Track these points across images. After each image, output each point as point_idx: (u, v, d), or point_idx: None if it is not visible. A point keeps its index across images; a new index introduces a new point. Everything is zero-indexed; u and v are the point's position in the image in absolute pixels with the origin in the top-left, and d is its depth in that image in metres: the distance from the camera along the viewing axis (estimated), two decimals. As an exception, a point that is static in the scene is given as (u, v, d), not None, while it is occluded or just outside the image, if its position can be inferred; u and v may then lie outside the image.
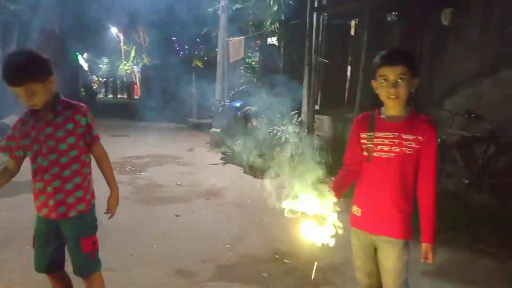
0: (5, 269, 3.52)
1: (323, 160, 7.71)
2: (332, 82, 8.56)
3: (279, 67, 10.17)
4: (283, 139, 8.51)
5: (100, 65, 46.14)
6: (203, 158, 8.89)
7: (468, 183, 5.43)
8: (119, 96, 36.69)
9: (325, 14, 8.17)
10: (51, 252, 2.43)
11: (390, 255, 2.16)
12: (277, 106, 8.87)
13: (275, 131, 8.59)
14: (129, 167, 7.61)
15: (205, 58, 15.72)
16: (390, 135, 2.12)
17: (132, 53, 33.91)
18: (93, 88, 32.15)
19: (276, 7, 8.30)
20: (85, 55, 34.88)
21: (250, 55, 11.03)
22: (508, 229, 4.53)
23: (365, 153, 2.20)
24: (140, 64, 32.64)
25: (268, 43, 11.15)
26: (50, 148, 2.28)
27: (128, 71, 35.44)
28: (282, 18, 8.54)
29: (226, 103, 9.80)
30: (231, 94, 10.27)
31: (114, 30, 35.55)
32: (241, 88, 10.38)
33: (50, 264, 2.45)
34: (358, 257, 2.32)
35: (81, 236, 2.40)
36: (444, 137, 5.60)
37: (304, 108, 8.31)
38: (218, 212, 5.35)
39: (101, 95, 36.91)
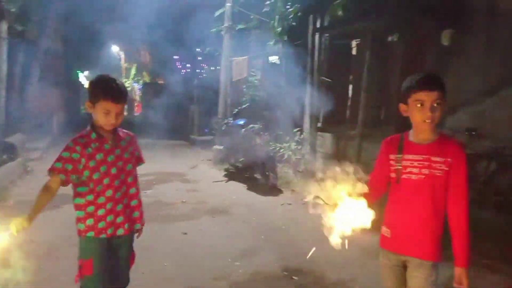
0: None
1: (325, 177, 7.84)
2: (334, 100, 8.71)
3: (281, 86, 10.34)
4: (285, 156, 8.64)
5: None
6: (207, 175, 8.97)
7: (471, 200, 5.51)
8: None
9: (327, 35, 8.37)
10: (109, 269, 2.52)
11: (418, 275, 2.17)
12: (279, 124, 9.01)
13: (278, 148, 8.72)
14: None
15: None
16: (419, 157, 2.14)
17: (133, 71, 34.25)
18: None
19: (280, 28, 8.50)
20: (86, 72, 35.17)
21: (253, 73, 11.21)
22: (512, 245, 4.60)
23: (393, 175, 2.23)
24: (141, 81, 32.95)
25: (270, 62, 11.35)
26: (119, 168, 2.45)
27: (129, 89, 35.71)
28: (285, 39, 8.73)
29: (229, 121, 9.94)
30: (234, 112, 10.42)
31: (115, 48, 35.95)
32: (244, 106, 10.54)
33: (108, 283, 2.53)
34: (388, 278, 2.33)
35: (132, 250, 2.65)
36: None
37: (306, 125, 8.45)
38: (225, 229, 5.41)
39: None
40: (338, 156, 7.94)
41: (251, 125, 8.81)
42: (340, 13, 7.31)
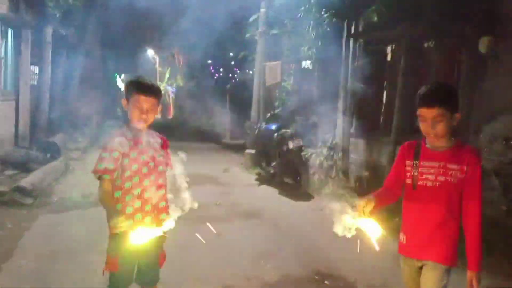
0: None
1: (357, 183, 7.83)
2: (367, 106, 8.68)
3: (313, 91, 10.38)
4: (317, 162, 8.67)
5: (135, 86, 47.59)
6: (239, 179, 9.11)
7: (506, 210, 5.42)
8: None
9: (362, 40, 8.37)
10: (134, 270, 2.60)
11: (430, 278, 2.22)
12: (312, 129, 9.06)
13: (310, 154, 8.76)
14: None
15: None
16: (435, 164, 2.19)
17: (167, 75, 34.95)
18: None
19: (314, 33, 8.57)
20: (122, 76, 36.20)
21: (285, 79, 11.32)
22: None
23: (408, 181, 2.27)
24: (174, 85, 33.58)
25: (303, 67, 11.42)
26: (150, 168, 2.50)
27: (163, 92, 36.45)
28: (319, 44, 8.80)
29: (262, 126, 10.06)
30: (266, 117, 10.53)
31: (150, 52, 36.82)
32: (277, 111, 10.64)
33: (132, 280, 2.62)
34: (408, 284, 2.38)
35: (161, 250, 2.68)
36: (482, 162, 5.63)
37: (339, 131, 8.46)
38: (257, 232, 5.53)
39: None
40: (371, 162, 7.91)
41: (283, 130, 8.89)
42: (375, 19, 7.32)
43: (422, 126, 2.19)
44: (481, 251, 2.17)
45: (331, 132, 8.71)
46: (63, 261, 4.16)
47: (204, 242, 4.94)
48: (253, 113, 11.36)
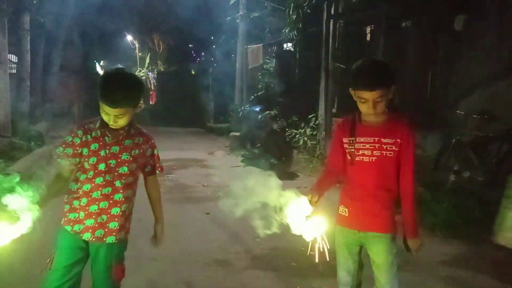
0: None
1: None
2: (348, 86, 8.87)
3: (295, 72, 10.52)
4: (301, 142, 8.86)
5: (115, 72, 46.91)
6: (225, 161, 9.24)
7: (483, 181, 5.68)
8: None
9: (341, 21, 8.50)
10: (75, 274, 2.23)
11: (381, 250, 2.27)
12: (295, 110, 9.22)
13: (293, 134, 8.94)
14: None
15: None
16: (370, 139, 2.21)
17: (147, 60, 34.55)
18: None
19: (295, 16, 8.66)
20: (102, 62, 35.62)
21: (267, 61, 11.41)
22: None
23: (348, 157, 2.28)
24: (155, 70, 33.26)
25: (284, 49, 11.52)
26: (109, 166, 2.20)
27: (144, 77, 36.09)
28: (300, 26, 8.90)
29: (246, 108, 10.18)
30: (250, 99, 10.65)
31: (129, 37, 36.26)
32: (260, 93, 10.76)
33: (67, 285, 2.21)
34: (342, 255, 2.41)
35: (115, 262, 2.28)
36: (458, 136, 5.87)
37: (322, 111, 8.64)
38: (245, 210, 5.67)
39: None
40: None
41: (267, 112, 9.03)
42: (353, 0, 7.45)
43: (363, 107, 2.18)
44: (416, 218, 2.24)
45: (314, 113, 8.88)
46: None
47: (194, 220, 5.14)
48: (237, 95, 11.46)
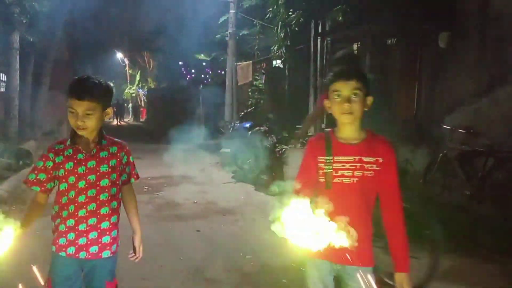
0: None
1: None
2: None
3: (285, 88, 10.63)
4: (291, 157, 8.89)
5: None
6: (216, 177, 9.24)
7: (470, 195, 5.75)
8: (125, 119, 37.20)
9: (329, 39, 8.66)
10: None
11: (360, 285, 1.99)
12: (285, 126, 9.29)
13: (284, 150, 8.98)
14: (146, 187, 7.98)
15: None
16: (351, 158, 1.98)
17: (137, 77, 34.68)
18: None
19: (283, 34, 8.82)
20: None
21: (257, 77, 11.54)
22: (509, 237, 4.84)
23: (322, 179, 2.03)
24: (146, 87, 33.36)
25: (273, 66, 11.66)
26: (90, 182, 2.17)
27: (134, 95, 36.14)
28: (288, 43, 9.05)
29: (236, 124, 10.23)
30: (240, 116, 10.71)
31: (119, 55, 36.41)
32: (250, 109, 10.83)
33: None
34: None
35: (107, 279, 2.27)
36: (445, 151, 5.96)
37: (311, 127, 8.71)
38: (236, 227, 5.69)
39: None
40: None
41: (257, 128, 9.09)
42: (340, 18, 7.61)
43: (336, 105, 1.98)
44: (408, 249, 2.02)
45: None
46: (44, 267, 4.22)
47: (184, 238, 5.12)
48: (227, 112, 11.54)
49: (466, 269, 4.25)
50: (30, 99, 12.29)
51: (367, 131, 2.06)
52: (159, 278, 3.93)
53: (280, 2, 8.77)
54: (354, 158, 1.98)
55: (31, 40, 11.14)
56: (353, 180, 1.98)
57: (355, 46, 9.03)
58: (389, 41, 7.76)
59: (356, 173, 1.98)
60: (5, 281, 3.10)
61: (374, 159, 1.98)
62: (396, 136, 7.19)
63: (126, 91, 37.08)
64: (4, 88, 11.47)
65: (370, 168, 1.98)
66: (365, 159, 1.98)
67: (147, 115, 29.23)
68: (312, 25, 8.44)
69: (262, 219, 6.18)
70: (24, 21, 10.41)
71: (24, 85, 11.62)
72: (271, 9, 9.23)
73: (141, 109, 34.16)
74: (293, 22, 8.59)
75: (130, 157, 2.37)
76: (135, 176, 2.42)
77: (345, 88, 1.95)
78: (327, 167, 2.01)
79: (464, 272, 4.16)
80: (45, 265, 2.24)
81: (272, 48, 9.85)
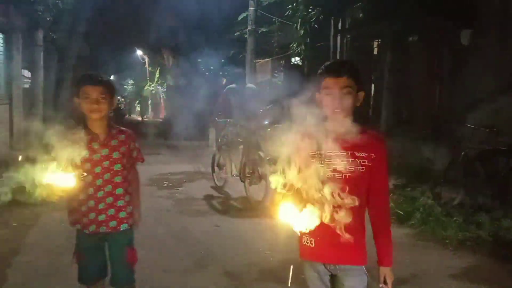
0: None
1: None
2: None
3: (303, 86, 10.62)
4: (310, 154, 8.90)
5: (125, 86, 47.52)
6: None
7: (491, 194, 5.69)
8: (144, 116, 37.64)
9: (348, 36, 8.63)
10: (99, 263, 2.63)
11: (355, 284, 2.02)
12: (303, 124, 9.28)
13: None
14: (166, 183, 8.11)
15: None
16: (344, 153, 1.93)
17: (157, 74, 34.97)
18: (121, 109, 33.06)
19: (303, 31, 8.81)
20: (112, 76, 36.11)
21: (276, 75, 11.56)
22: (531, 237, 4.79)
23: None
24: (165, 84, 33.63)
25: (292, 63, 11.65)
26: (105, 168, 2.50)
27: (153, 92, 36.49)
28: (308, 41, 9.04)
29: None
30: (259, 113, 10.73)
31: (139, 52, 36.78)
32: (269, 107, 10.84)
33: (97, 275, 2.64)
34: None
35: (129, 246, 2.64)
36: (466, 150, 5.90)
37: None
38: (254, 223, 5.74)
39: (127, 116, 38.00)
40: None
41: (275, 125, 9.11)
42: (360, 15, 7.57)
43: (327, 101, 1.97)
44: (392, 245, 2.03)
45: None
46: (70, 256, 4.34)
47: (204, 232, 5.20)
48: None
49: (487, 269, 4.22)
50: (53, 95, 12.57)
51: (359, 126, 2.00)
52: (179, 271, 4.01)
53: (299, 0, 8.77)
54: (347, 153, 1.94)
55: (55, 37, 11.38)
56: (346, 175, 1.93)
57: (375, 44, 8.97)
58: (410, 38, 7.69)
59: (349, 168, 1.93)
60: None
61: (366, 154, 1.96)
62: (416, 134, 7.15)
63: (146, 88, 37.46)
64: (28, 85, 11.72)
65: (362, 163, 1.95)
66: (357, 154, 1.95)
67: (166, 111, 29.48)
68: (332, 22, 8.42)
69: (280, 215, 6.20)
70: (48, 19, 10.63)
71: (48, 81, 11.89)
72: (290, 6, 9.23)
73: (161, 106, 34.50)
74: (313, 19, 8.58)
75: (136, 143, 2.69)
76: (141, 160, 2.74)
77: (336, 84, 1.94)
78: (319, 162, 1.93)
79: (485, 272, 4.13)
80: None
81: (291, 46, 9.86)
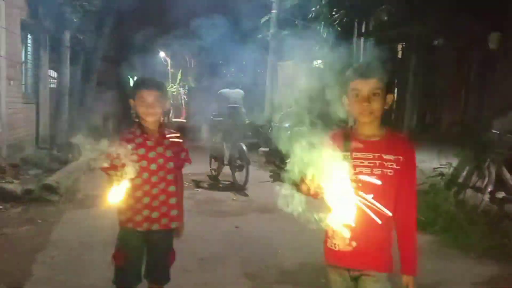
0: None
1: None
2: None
3: (325, 89, 10.57)
4: (330, 158, 8.85)
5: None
6: (253, 176, 9.27)
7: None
8: (166, 117, 37.99)
9: (372, 39, 8.55)
10: (139, 267, 2.61)
11: None
12: (324, 127, 9.23)
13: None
14: (187, 183, 8.15)
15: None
16: (370, 155, 1.91)
17: (179, 76, 35.34)
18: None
19: (325, 34, 8.77)
20: (135, 78, 36.60)
21: (298, 78, 11.52)
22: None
23: None
24: (186, 86, 33.95)
25: (315, 66, 11.60)
26: (159, 165, 2.55)
27: (175, 93, 36.87)
28: (331, 44, 8.99)
29: (275, 124, 10.27)
30: (280, 116, 10.73)
31: (162, 54, 37.24)
32: (289, 109, 10.83)
33: (136, 279, 2.61)
34: None
35: (171, 247, 2.69)
36: (493, 156, 5.76)
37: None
38: (273, 225, 5.73)
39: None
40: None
41: (296, 128, 9.09)
42: (385, 18, 7.50)
43: (356, 104, 1.92)
44: (417, 253, 1.98)
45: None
46: (92, 253, 4.41)
47: (223, 233, 5.22)
48: (266, 112, 11.58)
49: (509, 277, 4.11)
50: (79, 95, 12.83)
51: (387, 129, 1.98)
52: (200, 271, 4.04)
53: (323, 2, 8.73)
54: (374, 155, 1.91)
55: (81, 38, 11.61)
56: (372, 178, 1.89)
57: (399, 47, 8.87)
58: (436, 42, 7.56)
59: (375, 170, 1.90)
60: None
61: (394, 157, 1.91)
62: (442, 139, 7.02)
63: (168, 89, 37.84)
64: (55, 85, 12.00)
65: (390, 166, 1.91)
66: (385, 156, 1.91)
67: (188, 113, 29.72)
68: (355, 25, 8.36)
69: (299, 218, 6.19)
70: (75, 20, 10.86)
71: (74, 81, 12.14)
72: (314, 8, 9.20)
73: (183, 107, 34.83)
74: (336, 21, 8.53)
75: (184, 145, 2.75)
76: (189, 161, 2.78)
77: (365, 86, 1.90)
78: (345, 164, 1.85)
79: (510, 282, 4.02)
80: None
81: (313, 48, 9.82)
